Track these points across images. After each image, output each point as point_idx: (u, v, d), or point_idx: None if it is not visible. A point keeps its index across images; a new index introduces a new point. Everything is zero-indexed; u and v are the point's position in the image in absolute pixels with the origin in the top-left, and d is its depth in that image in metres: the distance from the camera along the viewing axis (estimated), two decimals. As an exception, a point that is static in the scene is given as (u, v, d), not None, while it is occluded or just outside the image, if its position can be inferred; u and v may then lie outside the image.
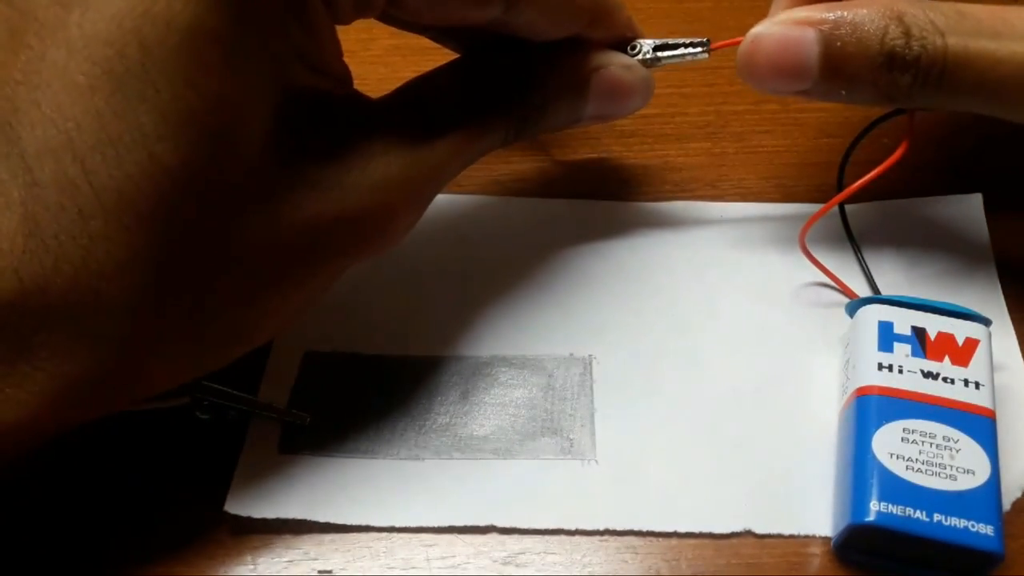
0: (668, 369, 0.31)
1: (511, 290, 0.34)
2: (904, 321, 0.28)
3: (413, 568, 0.27)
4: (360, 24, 0.47)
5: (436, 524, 0.28)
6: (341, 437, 0.30)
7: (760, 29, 0.28)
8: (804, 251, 0.32)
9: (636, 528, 0.27)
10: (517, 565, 0.27)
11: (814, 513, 0.27)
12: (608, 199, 0.37)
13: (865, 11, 0.27)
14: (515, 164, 0.39)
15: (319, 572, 0.27)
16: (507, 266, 0.35)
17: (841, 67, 0.27)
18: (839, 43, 0.27)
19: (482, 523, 0.28)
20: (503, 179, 0.39)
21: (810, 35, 0.27)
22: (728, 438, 0.29)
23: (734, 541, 0.27)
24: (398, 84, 0.37)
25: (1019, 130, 0.29)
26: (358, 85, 0.43)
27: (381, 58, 0.45)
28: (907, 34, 0.26)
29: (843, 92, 0.28)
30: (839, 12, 0.27)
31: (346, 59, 0.45)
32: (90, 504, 0.29)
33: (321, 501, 0.28)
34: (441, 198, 0.37)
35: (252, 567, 0.27)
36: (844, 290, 0.32)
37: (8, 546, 0.27)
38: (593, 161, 0.39)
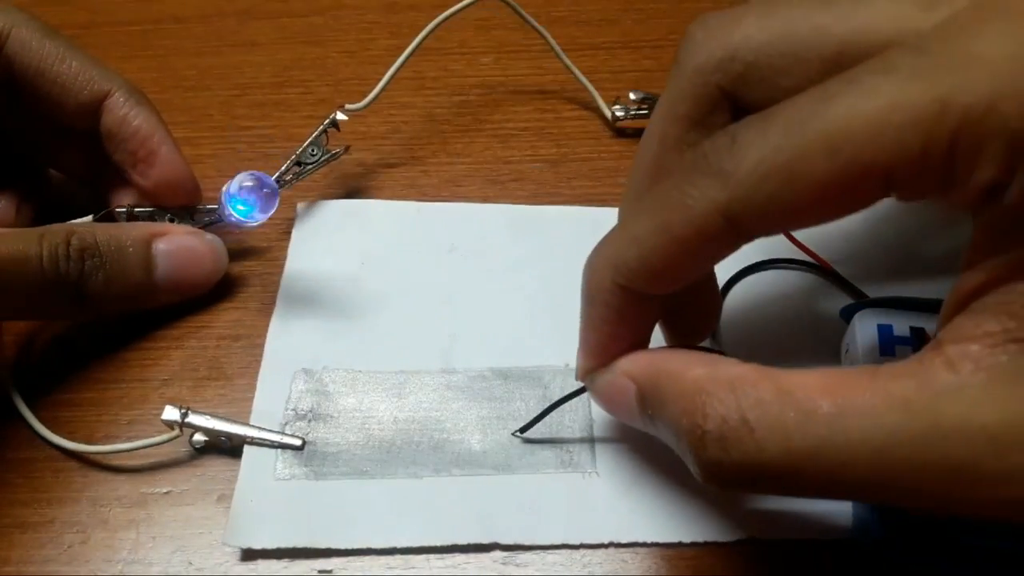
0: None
1: (504, 301, 0.34)
2: (903, 323, 0.28)
3: (413, 568, 0.27)
4: (360, 24, 0.47)
5: (438, 543, 0.27)
6: (336, 459, 0.29)
7: (595, 374, 0.26)
8: (788, 236, 0.32)
9: (640, 540, 0.27)
10: (517, 565, 0.27)
11: (817, 518, 0.27)
12: (605, 205, 0.37)
13: (675, 387, 0.22)
14: (515, 164, 0.39)
15: (319, 572, 0.27)
16: (499, 276, 0.35)
17: (656, 429, 0.24)
18: (649, 411, 0.24)
19: (485, 540, 0.27)
20: (503, 179, 0.39)
21: (631, 390, 0.24)
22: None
23: (734, 543, 0.27)
24: (398, 84, 0.37)
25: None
26: (359, 84, 0.43)
27: (381, 58, 0.45)
28: (702, 438, 0.21)
29: None
30: (657, 375, 0.23)
31: (346, 59, 0.46)
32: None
33: (320, 526, 0.28)
34: (430, 207, 0.37)
35: (252, 567, 0.27)
36: (829, 270, 0.33)
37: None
38: (593, 161, 0.39)
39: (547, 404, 0.29)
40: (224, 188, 0.33)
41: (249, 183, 0.33)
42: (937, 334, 0.20)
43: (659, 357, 0.24)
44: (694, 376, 0.22)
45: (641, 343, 0.26)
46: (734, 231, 0.21)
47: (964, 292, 0.19)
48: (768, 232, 0.21)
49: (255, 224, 0.34)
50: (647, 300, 0.24)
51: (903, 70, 0.18)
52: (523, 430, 0.29)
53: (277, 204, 0.34)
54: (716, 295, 0.29)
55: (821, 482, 0.20)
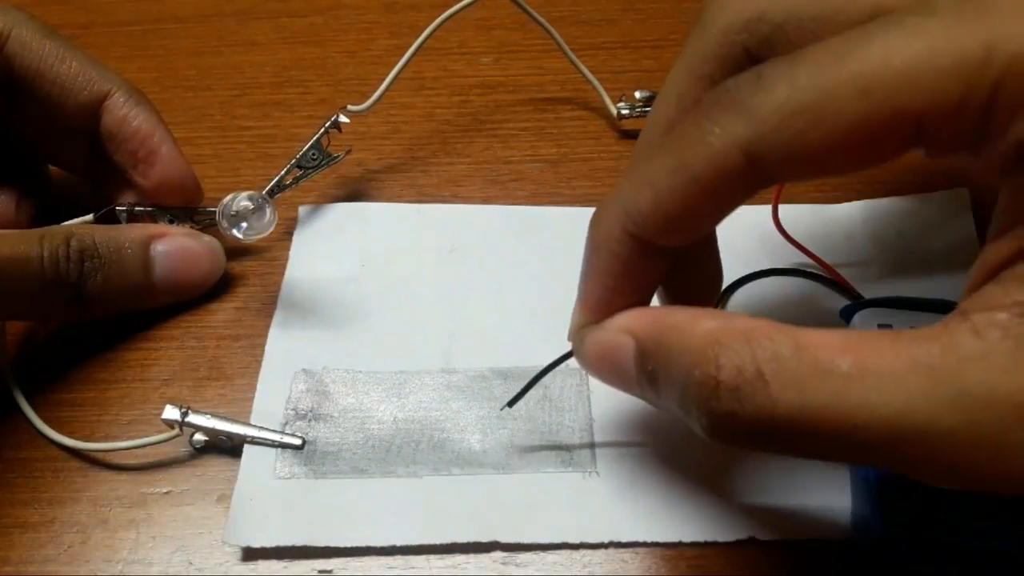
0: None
1: (504, 301, 0.34)
2: (903, 323, 0.28)
3: (413, 568, 0.27)
4: (360, 24, 0.47)
5: (438, 541, 0.27)
6: (336, 457, 0.29)
7: (586, 330, 0.24)
8: (784, 234, 0.32)
9: (640, 539, 0.27)
10: (517, 565, 0.27)
11: (817, 518, 0.27)
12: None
13: (683, 341, 0.21)
14: (515, 164, 0.39)
15: (319, 572, 0.27)
16: (499, 276, 0.35)
17: (655, 388, 0.23)
18: (650, 367, 0.22)
19: (485, 539, 0.27)
20: (503, 179, 0.39)
21: (628, 347, 0.23)
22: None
23: (734, 543, 0.27)
24: (398, 84, 0.37)
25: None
26: (359, 84, 0.43)
27: (381, 58, 0.45)
28: (716, 388, 0.20)
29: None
30: (661, 330, 0.22)
31: (346, 59, 0.46)
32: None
33: (320, 525, 0.28)
34: (430, 208, 0.37)
35: (252, 567, 0.27)
36: (832, 274, 0.33)
37: None
38: (593, 161, 0.39)
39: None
40: (222, 202, 0.33)
41: (248, 204, 0.33)
42: (961, 304, 0.19)
43: (662, 312, 0.23)
44: (706, 327, 0.21)
45: (642, 302, 0.24)
46: (755, 172, 0.20)
47: (992, 262, 0.18)
48: (790, 176, 0.20)
49: (250, 241, 0.34)
50: (655, 254, 0.23)
51: (947, 13, 0.17)
52: (511, 404, 0.29)
53: (274, 226, 0.34)
54: (718, 264, 0.28)
55: (833, 443, 0.19)
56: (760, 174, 0.20)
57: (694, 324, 0.21)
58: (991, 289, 0.18)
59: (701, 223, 0.22)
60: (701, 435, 0.21)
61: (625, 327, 0.23)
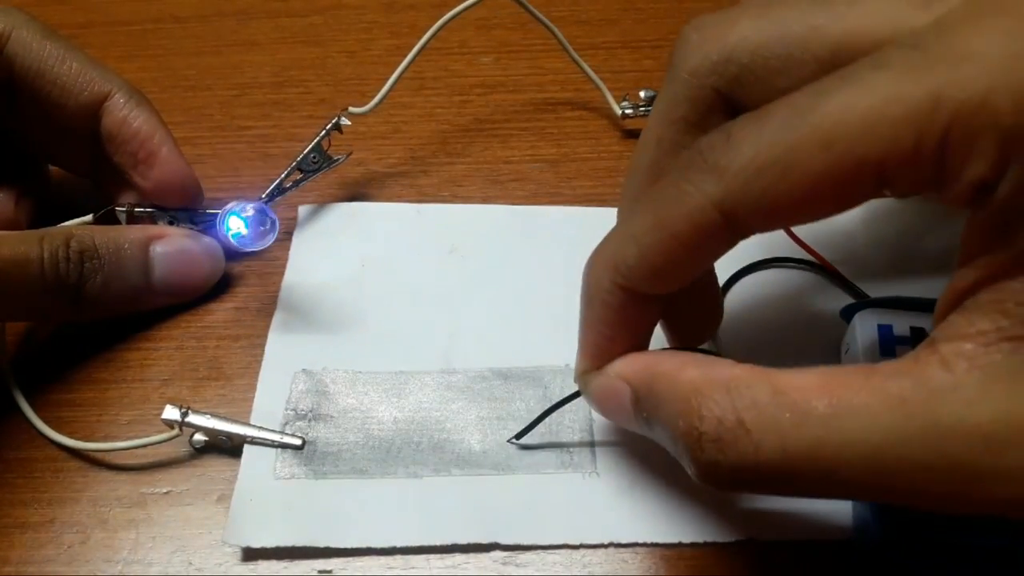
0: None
1: (504, 301, 0.34)
2: (903, 323, 0.28)
3: (413, 568, 0.27)
4: (360, 24, 0.47)
5: (438, 542, 0.27)
6: (336, 458, 0.29)
7: (589, 376, 0.26)
8: (787, 231, 0.32)
9: (640, 540, 0.27)
10: (517, 565, 0.27)
11: (817, 518, 0.27)
12: (605, 205, 0.37)
13: (670, 389, 0.22)
14: (515, 164, 0.39)
15: (319, 572, 0.27)
16: (499, 276, 0.35)
17: (652, 431, 0.24)
18: (645, 413, 0.23)
19: (485, 540, 0.27)
20: (503, 179, 0.39)
21: (626, 392, 0.24)
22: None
23: (734, 544, 0.27)
24: (398, 84, 0.37)
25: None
26: (359, 85, 0.43)
27: (381, 58, 0.45)
28: (699, 439, 0.21)
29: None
30: (652, 376, 0.23)
31: (346, 59, 0.46)
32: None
33: (320, 525, 0.28)
34: (429, 208, 0.37)
35: (252, 567, 0.27)
36: (831, 269, 0.33)
37: None
38: (593, 161, 0.39)
39: (547, 404, 0.29)
40: (223, 211, 0.33)
41: (249, 214, 0.33)
42: (932, 332, 0.20)
43: (653, 359, 0.24)
44: (689, 377, 0.22)
45: (639, 346, 0.25)
46: (730, 226, 0.21)
47: (958, 289, 0.19)
48: (764, 227, 0.21)
49: (248, 250, 0.34)
50: (646, 301, 0.24)
51: (897, 66, 0.18)
52: (519, 436, 0.29)
53: (275, 236, 0.34)
54: (717, 296, 0.29)
55: (818, 482, 0.20)
56: (735, 228, 0.21)
57: (680, 373, 0.22)
58: (957, 318, 0.19)
59: (684, 274, 0.23)
60: (694, 479, 0.22)
61: (620, 374, 0.25)
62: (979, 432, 0.18)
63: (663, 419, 0.22)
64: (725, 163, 0.20)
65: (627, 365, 0.25)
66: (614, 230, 0.24)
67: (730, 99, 0.24)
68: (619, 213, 0.28)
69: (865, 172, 0.19)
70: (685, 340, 0.28)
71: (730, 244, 0.22)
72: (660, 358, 0.24)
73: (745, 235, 0.21)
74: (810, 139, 0.19)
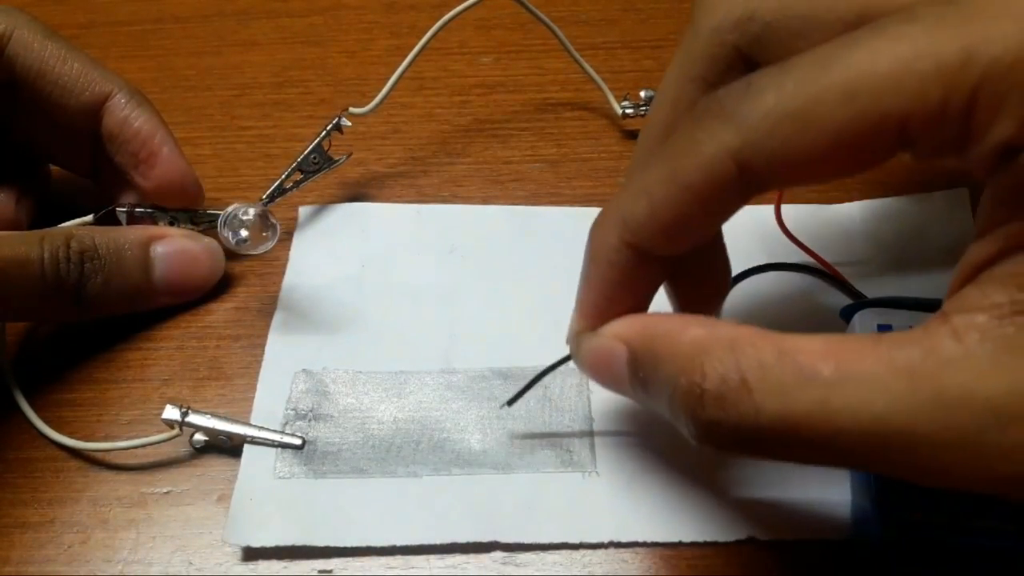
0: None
1: (504, 301, 0.34)
2: (903, 323, 0.28)
3: (413, 568, 0.27)
4: (360, 24, 0.47)
5: (438, 542, 0.27)
6: (336, 457, 0.29)
7: (582, 336, 0.25)
8: (786, 233, 0.32)
9: (640, 539, 0.27)
10: (517, 565, 0.27)
11: (817, 518, 0.27)
12: (604, 205, 0.37)
13: (671, 349, 0.22)
14: (515, 164, 0.39)
15: (319, 572, 0.27)
16: (499, 277, 0.35)
17: (647, 393, 0.23)
18: (641, 374, 0.23)
19: (485, 539, 0.27)
20: (503, 179, 0.39)
21: (622, 354, 0.23)
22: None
23: (734, 543, 0.27)
24: (398, 84, 0.37)
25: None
26: (359, 85, 0.43)
27: (381, 58, 0.45)
28: (701, 397, 0.20)
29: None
30: (651, 337, 0.23)
31: (346, 59, 0.46)
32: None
33: (319, 524, 0.28)
34: (429, 209, 0.37)
35: (252, 567, 0.27)
36: (832, 272, 0.33)
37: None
38: (593, 161, 0.39)
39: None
40: (224, 212, 0.33)
41: (250, 217, 0.33)
42: (944, 305, 0.19)
43: (653, 319, 0.23)
44: (692, 336, 0.21)
45: (639, 309, 0.25)
46: (745, 179, 0.20)
47: (972, 263, 0.19)
48: (779, 183, 0.20)
49: (248, 253, 0.34)
50: (652, 262, 0.23)
51: (929, 19, 0.18)
52: (510, 403, 0.29)
53: (276, 240, 0.34)
54: (726, 264, 0.28)
55: (817, 447, 0.19)
56: (750, 181, 0.20)
57: (682, 332, 0.21)
58: (971, 291, 0.18)
59: (696, 231, 0.22)
60: (690, 440, 0.21)
61: (617, 334, 0.24)
62: (988, 405, 0.17)
63: (662, 378, 0.22)
64: (744, 112, 0.19)
65: (626, 326, 0.24)
66: (624, 186, 0.23)
67: (750, 59, 0.23)
68: (628, 173, 0.27)
69: (888, 128, 0.18)
70: (693, 308, 0.27)
71: (744, 199, 0.21)
72: (660, 319, 0.23)
73: (760, 190, 0.21)
74: (833, 90, 0.18)
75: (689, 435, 0.21)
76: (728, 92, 0.20)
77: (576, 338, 0.25)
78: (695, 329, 0.21)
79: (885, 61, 0.18)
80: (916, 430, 0.18)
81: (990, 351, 0.17)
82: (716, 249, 0.27)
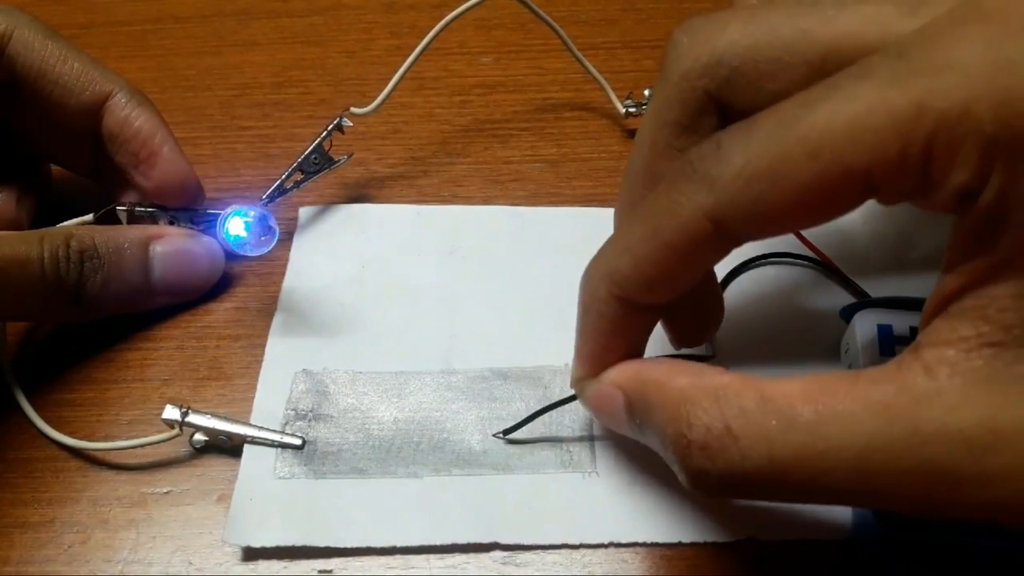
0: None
1: (504, 301, 0.34)
2: (903, 323, 0.28)
3: (413, 568, 0.27)
4: (360, 24, 0.47)
5: (438, 542, 0.27)
6: (336, 458, 0.29)
7: (584, 383, 0.26)
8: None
9: (640, 540, 0.27)
10: (517, 565, 0.27)
11: (817, 518, 0.27)
12: (605, 205, 0.37)
13: (660, 397, 0.23)
14: (515, 164, 0.39)
15: (319, 572, 0.27)
16: (499, 277, 0.35)
17: (644, 438, 0.24)
18: (637, 420, 0.24)
19: (485, 540, 0.27)
20: (503, 179, 0.39)
21: (619, 399, 0.25)
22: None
23: (734, 543, 0.27)
24: (398, 83, 0.37)
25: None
26: (359, 85, 0.43)
27: (381, 58, 0.45)
28: (688, 447, 0.21)
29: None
30: (643, 384, 0.24)
31: (346, 59, 0.46)
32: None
33: (319, 525, 0.28)
34: (429, 209, 0.37)
35: (252, 567, 0.27)
36: (832, 266, 0.33)
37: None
38: (593, 161, 0.39)
39: (547, 404, 0.29)
40: (223, 213, 0.33)
41: (250, 218, 0.33)
42: (917, 337, 0.20)
43: (644, 367, 0.24)
44: (678, 385, 0.22)
45: (634, 353, 0.26)
46: (721, 235, 0.21)
47: (943, 295, 0.19)
48: (755, 236, 0.21)
49: (247, 255, 0.34)
50: (641, 311, 0.24)
51: (882, 75, 0.18)
52: (507, 432, 0.30)
53: (275, 241, 0.34)
54: (717, 296, 0.29)
55: (805, 488, 0.20)
56: (726, 237, 0.21)
57: (670, 381, 0.23)
58: (940, 324, 0.19)
59: (679, 283, 0.23)
60: (685, 487, 0.22)
61: (613, 381, 0.25)
62: (961, 437, 0.18)
63: (654, 426, 0.23)
64: (715, 174, 0.21)
65: (620, 373, 0.25)
66: (610, 240, 0.25)
67: (721, 101, 0.24)
68: (615, 218, 0.28)
69: (852, 180, 0.19)
70: (685, 340, 0.29)
71: (723, 253, 0.22)
72: (651, 366, 0.24)
73: (737, 244, 0.22)
74: (797, 149, 0.19)
75: (683, 482, 0.22)
76: (700, 154, 0.21)
77: (578, 385, 0.27)
78: (681, 379, 0.22)
79: (843, 118, 0.19)
80: (896, 465, 0.19)
81: (959, 385, 0.18)
82: (706, 283, 0.28)
